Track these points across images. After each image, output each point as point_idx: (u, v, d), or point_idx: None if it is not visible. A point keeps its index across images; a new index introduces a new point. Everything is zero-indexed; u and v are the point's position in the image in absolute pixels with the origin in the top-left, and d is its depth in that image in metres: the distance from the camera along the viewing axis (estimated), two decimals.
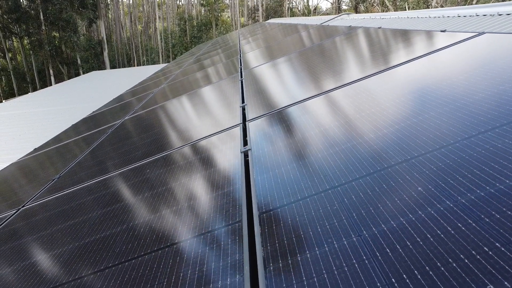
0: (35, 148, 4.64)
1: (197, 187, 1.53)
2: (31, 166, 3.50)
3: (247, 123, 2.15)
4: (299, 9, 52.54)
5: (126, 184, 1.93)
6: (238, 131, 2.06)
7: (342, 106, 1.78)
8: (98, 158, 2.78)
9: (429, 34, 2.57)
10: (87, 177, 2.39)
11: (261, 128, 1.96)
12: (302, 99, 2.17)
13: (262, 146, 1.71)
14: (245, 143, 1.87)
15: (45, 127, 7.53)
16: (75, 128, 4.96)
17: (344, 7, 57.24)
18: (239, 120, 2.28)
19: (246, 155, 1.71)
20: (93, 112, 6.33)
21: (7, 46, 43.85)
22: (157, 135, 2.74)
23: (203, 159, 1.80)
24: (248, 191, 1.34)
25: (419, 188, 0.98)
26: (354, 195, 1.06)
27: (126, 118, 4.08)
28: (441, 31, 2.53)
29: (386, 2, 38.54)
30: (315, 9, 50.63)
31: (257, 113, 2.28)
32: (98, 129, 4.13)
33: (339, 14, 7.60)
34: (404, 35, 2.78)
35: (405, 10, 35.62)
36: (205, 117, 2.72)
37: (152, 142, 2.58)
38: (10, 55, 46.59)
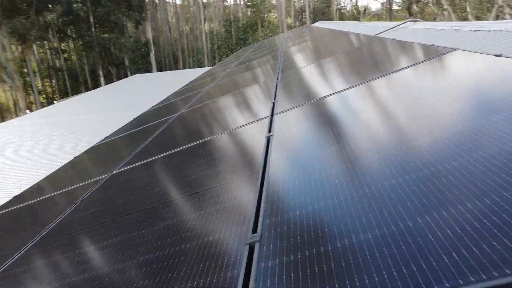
0: (15, 196, 3.85)
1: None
2: None
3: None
4: (348, 9, 50.68)
5: None
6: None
7: None
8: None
9: None
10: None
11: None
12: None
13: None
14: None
15: (56, 150, 6.99)
16: (73, 164, 4.24)
17: (395, 7, 54.50)
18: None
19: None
20: (103, 139, 5.64)
21: (62, 48, 45.77)
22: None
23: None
24: None
25: None
26: None
27: (136, 151, 3.27)
28: None
29: (443, 1, 35.97)
30: (364, 10, 48.57)
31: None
32: (97, 172, 3.35)
33: (404, 21, 6.40)
34: None
35: (466, 10, 32.95)
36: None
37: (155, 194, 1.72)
38: (65, 56, 48.67)
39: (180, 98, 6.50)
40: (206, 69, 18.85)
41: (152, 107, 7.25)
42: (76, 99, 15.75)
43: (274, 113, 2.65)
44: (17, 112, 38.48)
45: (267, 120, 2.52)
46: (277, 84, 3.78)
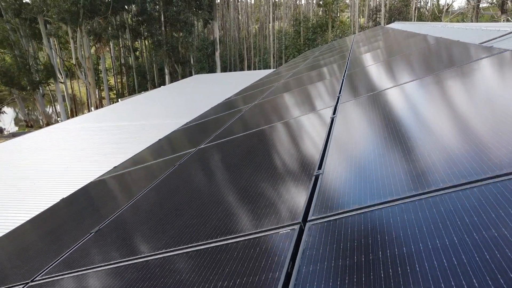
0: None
1: None
2: None
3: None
4: (427, 8, 46.47)
5: None
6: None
7: None
8: None
9: None
10: None
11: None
12: None
13: None
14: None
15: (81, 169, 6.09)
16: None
17: (483, 4, 49.27)
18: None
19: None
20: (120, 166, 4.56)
21: (134, 46, 47.33)
22: None
23: None
24: None
25: None
26: None
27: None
28: None
29: None
30: (447, 8, 44.19)
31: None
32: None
33: None
34: None
35: None
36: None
37: None
38: (137, 53, 50.31)
39: (212, 118, 5.27)
40: (267, 72, 17.65)
41: (184, 125, 6.13)
42: (132, 100, 15.30)
43: (308, 217, 1.25)
44: (89, 107, 40.43)
45: (290, 233, 1.15)
46: (331, 127, 2.35)
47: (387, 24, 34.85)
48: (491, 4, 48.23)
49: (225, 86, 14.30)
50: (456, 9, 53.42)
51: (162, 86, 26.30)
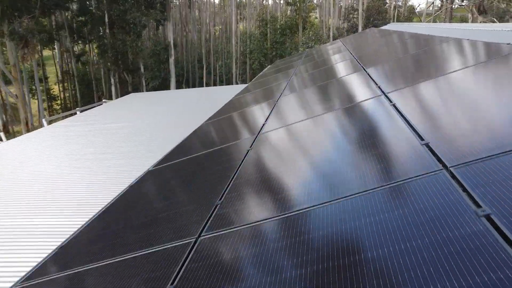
0: None
1: None
2: None
3: None
4: (402, 9, 43.10)
5: None
6: None
7: None
8: None
9: None
10: None
11: None
12: None
13: None
14: None
15: None
16: None
17: (456, 5, 46.73)
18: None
19: None
20: None
21: (74, 51, 41.11)
22: None
23: None
24: None
25: None
26: None
27: None
28: None
29: None
30: (428, 7, 40.87)
31: None
32: None
33: None
34: None
35: None
36: None
37: None
38: (86, 57, 43.97)
39: None
40: (230, 89, 12.81)
41: None
42: (56, 126, 9.98)
43: None
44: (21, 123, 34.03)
45: None
46: None
47: (364, 25, 30.81)
48: (463, 5, 45.66)
49: (158, 122, 9.41)
50: (422, 8, 50.52)
51: (104, 101, 20.97)
